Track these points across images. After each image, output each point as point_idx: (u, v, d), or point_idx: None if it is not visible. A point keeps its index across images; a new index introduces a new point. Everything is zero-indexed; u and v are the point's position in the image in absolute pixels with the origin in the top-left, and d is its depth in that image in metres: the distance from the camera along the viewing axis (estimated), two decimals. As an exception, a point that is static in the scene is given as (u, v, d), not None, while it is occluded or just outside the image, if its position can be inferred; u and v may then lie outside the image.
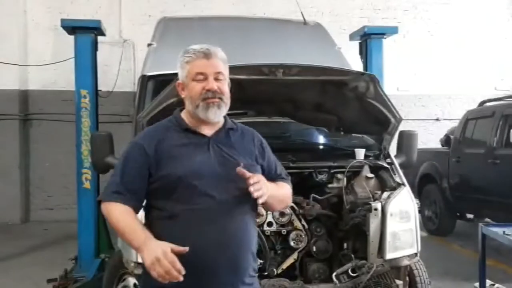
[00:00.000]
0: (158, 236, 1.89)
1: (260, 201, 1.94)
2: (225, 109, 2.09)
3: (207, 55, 2.04)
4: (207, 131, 2.09)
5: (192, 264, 1.86)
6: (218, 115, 2.06)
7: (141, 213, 2.09)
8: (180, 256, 1.80)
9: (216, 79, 2.04)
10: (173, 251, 1.78)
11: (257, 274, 2.19)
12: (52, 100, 9.37)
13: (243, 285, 2.04)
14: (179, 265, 1.76)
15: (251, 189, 1.90)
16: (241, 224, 2.03)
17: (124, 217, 1.95)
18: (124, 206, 1.97)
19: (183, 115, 2.14)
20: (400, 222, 3.61)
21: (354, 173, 3.88)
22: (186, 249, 1.81)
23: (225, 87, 2.08)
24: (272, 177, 2.17)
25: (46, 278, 5.13)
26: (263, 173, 2.11)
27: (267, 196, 1.96)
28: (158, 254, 1.76)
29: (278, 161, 2.30)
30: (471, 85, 10.70)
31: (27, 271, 5.89)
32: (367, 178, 3.82)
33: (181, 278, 1.75)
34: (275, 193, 2.08)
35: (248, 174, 1.92)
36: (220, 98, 2.04)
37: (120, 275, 3.83)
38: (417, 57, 10.48)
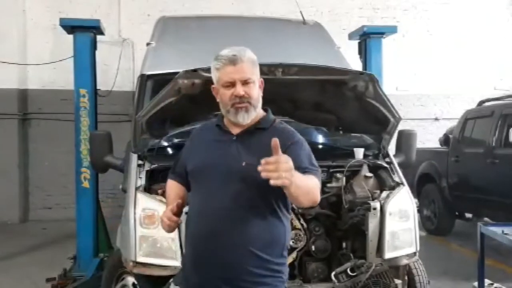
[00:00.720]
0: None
1: (272, 182, 1.74)
2: (254, 112, 2.15)
3: (233, 61, 2.09)
4: (236, 130, 2.19)
5: (190, 253, 2.16)
6: (246, 119, 2.14)
7: None
8: (185, 241, 2.26)
9: (244, 84, 2.10)
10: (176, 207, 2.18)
11: (281, 274, 2.12)
12: (51, 99, 9.36)
13: (246, 283, 2.04)
14: (173, 217, 2.15)
15: (261, 170, 1.75)
16: (236, 224, 2.04)
17: (168, 191, 2.38)
18: (173, 182, 2.38)
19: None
20: (399, 221, 3.61)
21: (353, 173, 3.88)
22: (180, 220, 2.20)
23: (253, 90, 2.13)
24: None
25: (45, 277, 5.12)
26: None
27: (287, 180, 1.74)
28: (161, 216, 2.22)
29: (311, 157, 2.15)
30: (470, 85, 10.71)
31: (26, 270, 5.89)
32: (366, 177, 3.82)
33: (178, 220, 2.17)
34: (299, 182, 1.86)
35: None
36: (249, 102, 2.11)
37: (119, 275, 3.83)
38: (417, 56, 10.49)
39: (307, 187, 1.95)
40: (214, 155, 2.15)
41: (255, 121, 2.18)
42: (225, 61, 2.10)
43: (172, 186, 2.37)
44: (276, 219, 2.11)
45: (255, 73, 2.15)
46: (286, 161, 1.76)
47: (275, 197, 2.06)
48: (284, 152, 1.84)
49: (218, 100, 2.20)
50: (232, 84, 2.10)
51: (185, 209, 2.29)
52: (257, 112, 2.17)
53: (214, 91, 2.22)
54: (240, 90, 2.08)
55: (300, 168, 1.97)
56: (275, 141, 1.76)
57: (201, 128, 2.40)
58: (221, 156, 2.13)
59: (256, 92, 2.15)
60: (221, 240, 2.04)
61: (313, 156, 2.17)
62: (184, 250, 2.29)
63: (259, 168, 1.75)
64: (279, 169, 1.73)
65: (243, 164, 2.04)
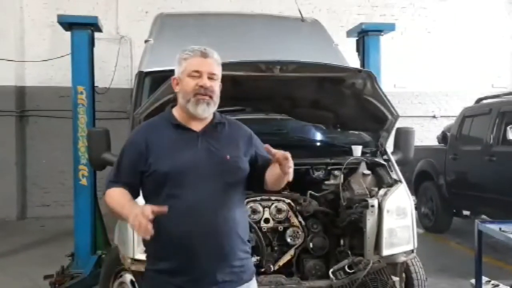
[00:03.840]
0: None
1: (289, 178, 2.06)
2: (213, 108, 2.20)
3: (204, 54, 2.16)
4: (196, 126, 2.20)
5: (179, 252, 2.08)
6: (206, 112, 2.17)
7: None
8: (169, 244, 2.07)
9: (210, 78, 2.16)
10: (153, 212, 1.91)
11: (249, 256, 2.26)
12: (49, 96, 9.35)
13: (232, 268, 2.14)
14: (149, 225, 1.88)
15: (286, 169, 2.03)
16: (226, 214, 2.12)
17: (117, 196, 2.12)
18: (118, 188, 2.15)
19: (175, 111, 2.25)
20: (397, 218, 3.61)
21: (351, 170, 3.88)
22: (165, 208, 1.95)
23: (217, 87, 2.20)
24: (267, 160, 2.20)
25: (43, 274, 5.11)
26: (256, 163, 2.25)
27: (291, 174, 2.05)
28: (137, 211, 1.92)
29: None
30: (468, 83, 10.73)
31: (24, 268, 5.89)
32: (364, 175, 3.82)
33: (147, 236, 1.89)
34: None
35: (274, 151, 2.04)
36: (210, 96, 2.15)
37: (117, 272, 3.83)
38: (415, 54, 10.50)
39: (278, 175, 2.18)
40: (189, 154, 2.12)
41: (210, 117, 2.23)
42: (196, 53, 2.16)
43: (122, 191, 2.13)
44: (244, 206, 2.34)
45: (219, 72, 2.21)
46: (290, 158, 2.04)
47: (243, 186, 2.23)
48: (250, 143, 2.26)
49: (176, 91, 2.22)
50: (199, 75, 2.14)
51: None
52: (215, 110, 2.22)
53: (174, 82, 2.23)
54: (206, 81, 2.14)
55: (264, 156, 2.22)
56: (267, 147, 2.07)
57: (150, 127, 2.24)
58: (197, 153, 2.13)
59: (218, 90, 2.21)
60: (218, 231, 2.10)
61: None
62: (163, 254, 2.11)
63: (285, 169, 2.02)
64: (291, 165, 2.03)
65: (227, 157, 2.15)
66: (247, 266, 2.23)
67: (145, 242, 2.14)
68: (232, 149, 2.19)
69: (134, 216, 1.90)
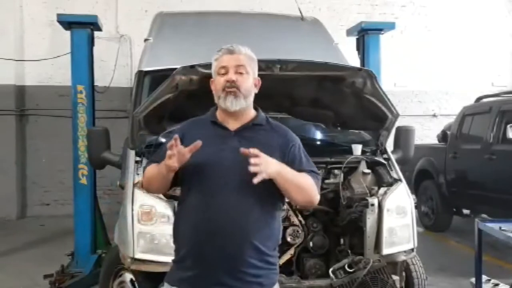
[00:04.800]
0: (176, 216, 2.26)
1: (255, 179, 1.93)
2: (243, 101, 2.17)
3: (231, 51, 2.19)
4: (233, 125, 2.20)
5: (190, 245, 2.11)
6: (234, 104, 2.15)
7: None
8: (183, 236, 2.15)
9: (237, 72, 2.16)
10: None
11: (272, 267, 2.17)
12: (49, 95, 9.34)
13: (244, 275, 2.08)
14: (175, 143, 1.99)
15: (251, 168, 1.93)
16: (240, 217, 2.07)
17: (151, 169, 2.19)
18: (152, 165, 2.20)
19: (217, 111, 2.26)
20: (397, 217, 3.62)
21: (351, 169, 3.88)
22: (199, 143, 2.00)
23: (246, 80, 2.18)
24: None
25: (42, 273, 5.11)
26: None
27: (267, 174, 1.95)
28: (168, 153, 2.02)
29: (308, 160, 2.26)
30: (468, 81, 10.72)
31: (24, 267, 5.89)
32: (364, 173, 3.82)
33: (175, 164, 1.99)
34: (291, 177, 2.07)
35: (247, 151, 1.97)
36: (237, 88, 2.14)
37: (116, 271, 3.83)
38: (415, 53, 10.49)
39: (297, 182, 2.10)
40: (216, 150, 2.14)
41: (250, 118, 2.23)
42: (224, 51, 2.19)
43: (151, 167, 2.22)
44: (273, 214, 2.19)
45: (251, 66, 2.21)
46: (266, 157, 1.98)
47: (274, 192, 2.11)
48: (287, 152, 2.17)
49: (214, 92, 2.23)
50: (226, 71, 2.16)
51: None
52: (247, 104, 2.20)
53: (212, 85, 2.25)
54: (232, 75, 2.14)
55: (300, 171, 2.14)
56: (244, 151, 1.97)
57: (192, 123, 2.34)
58: (224, 151, 2.13)
59: (248, 83, 2.19)
60: (225, 232, 2.06)
61: (309, 159, 2.27)
62: (178, 245, 2.20)
63: (251, 161, 1.93)
64: (262, 163, 1.94)
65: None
66: (266, 277, 2.14)
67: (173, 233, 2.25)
68: (263, 152, 2.01)
69: (167, 157, 2.00)
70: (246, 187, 2.02)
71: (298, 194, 2.12)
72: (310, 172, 2.18)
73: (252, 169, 1.93)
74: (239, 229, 2.07)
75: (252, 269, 2.09)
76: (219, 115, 2.24)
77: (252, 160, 1.94)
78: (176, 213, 2.28)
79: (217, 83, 2.19)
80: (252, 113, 2.26)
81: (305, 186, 2.12)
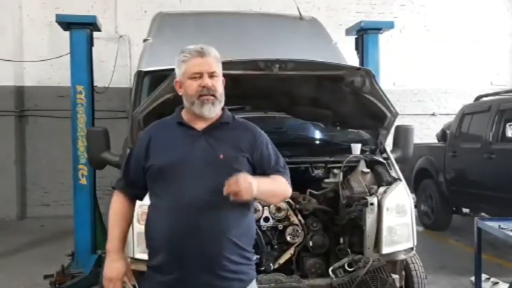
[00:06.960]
0: (146, 221, 2.21)
1: (231, 198, 1.98)
2: (219, 106, 2.19)
3: (201, 54, 2.15)
4: (200, 125, 2.20)
5: (165, 249, 2.10)
6: (212, 111, 2.17)
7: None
8: (156, 239, 2.13)
9: (211, 77, 2.15)
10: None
11: (249, 262, 2.20)
12: (48, 96, 9.34)
13: (223, 272, 2.09)
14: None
15: (226, 192, 1.98)
16: (214, 215, 2.08)
17: (112, 219, 2.27)
18: (119, 206, 2.28)
19: (183, 111, 2.25)
20: (396, 216, 3.61)
21: (351, 168, 3.88)
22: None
23: (219, 84, 2.18)
24: (264, 171, 2.21)
25: (43, 274, 5.12)
26: (253, 167, 2.19)
27: (247, 194, 1.97)
28: (113, 276, 2.21)
29: (277, 156, 2.29)
30: (467, 80, 10.73)
31: (24, 267, 5.89)
32: (363, 173, 3.82)
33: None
34: (264, 187, 2.09)
35: (227, 188, 1.98)
36: (214, 96, 2.15)
37: (117, 271, 3.82)
38: (414, 52, 10.49)
39: (272, 190, 2.19)
40: (185, 151, 2.14)
41: (218, 116, 2.22)
42: (193, 53, 2.15)
43: (121, 208, 2.28)
44: (247, 210, 2.21)
45: (219, 67, 2.20)
46: (244, 178, 1.98)
47: None
48: (255, 150, 2.19)
49: (181, 93, 2.22)
50: (199, 76, 2.14)
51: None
52: (221, 107, 2.21)
53: (177, 86, 2.24)
54: (208, 81, 2.13)
55: (269, 167, 2.22)
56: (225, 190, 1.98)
57: (159, 125, 2.31)
58: (193, 151, 2.13)
59: (221, 86, 2.20)
60: (202, 231, 2.06)
61: (278, 152, 2.31)
62: (152, 249, 2.18)
63: (225, 190, 1.96)
64: (240, 187, 1.95)
65: (221, 156, 2.12)
66: (245, 273, 2.18)
67: (145, 238, 2.23)
68: (230, 149, 2.15)
69: (108, 279, 2.20)
70: (216, 187, 2.02)
71: (272, 198, 2.33)
72: (279, 171, 2.24)
73: (232, 199, 1.97)
74: (215, 226, 2.08)
75: (232, 265, 2.11)
76: (185, 115, 2.23)
77: (231, 191, 1.95)
78: (147, 217, 2.22)
79: (189, 87, 2.15)
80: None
81: (279, 192, 2.22)
